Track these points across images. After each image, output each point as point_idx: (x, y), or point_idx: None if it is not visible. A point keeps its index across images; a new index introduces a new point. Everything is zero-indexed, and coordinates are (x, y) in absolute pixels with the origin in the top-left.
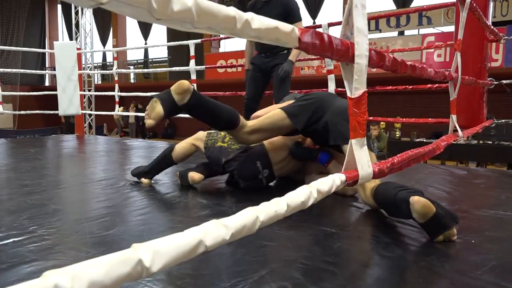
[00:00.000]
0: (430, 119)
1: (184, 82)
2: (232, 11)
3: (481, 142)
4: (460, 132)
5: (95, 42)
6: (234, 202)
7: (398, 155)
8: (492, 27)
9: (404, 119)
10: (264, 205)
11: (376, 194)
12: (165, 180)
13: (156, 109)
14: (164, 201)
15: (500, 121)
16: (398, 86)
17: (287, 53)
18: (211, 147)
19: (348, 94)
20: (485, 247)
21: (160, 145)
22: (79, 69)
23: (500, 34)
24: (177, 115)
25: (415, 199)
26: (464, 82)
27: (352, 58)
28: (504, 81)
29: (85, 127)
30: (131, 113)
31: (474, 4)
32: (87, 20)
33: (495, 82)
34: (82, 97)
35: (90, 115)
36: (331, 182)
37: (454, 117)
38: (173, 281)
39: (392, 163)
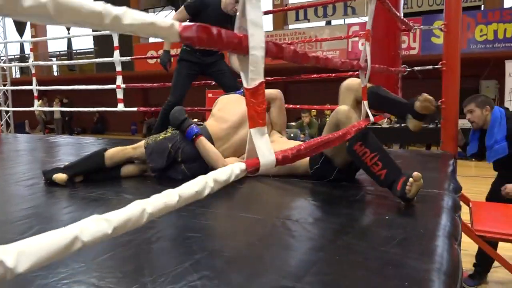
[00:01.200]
0: None
1: None
2: (98, 6)
3: (403, 125)
4: (371, 117)
5: (11, 32)
6: None
7: (306, 141)
8: (403, 18)
9: (329, 106)
10: (153, 197)
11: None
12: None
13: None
14: (88, 199)
15: (476, 99)
16: (322, 74)
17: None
18: (152, 143)
19: (245, 84)
20: (396, 223)
21: (88, 141)
22: None
23: (416, 24)
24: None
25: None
26: (374, 70)
27: (246, 49)
28: (416, 68)
29: (1, 125)
30: (54, 108)
31: None
32: None
33: (408, 69)
34: None
35: (7, 112)
36: (229, 171)
37: (365, 103)
38: (92, 281)
39: (298, 149)
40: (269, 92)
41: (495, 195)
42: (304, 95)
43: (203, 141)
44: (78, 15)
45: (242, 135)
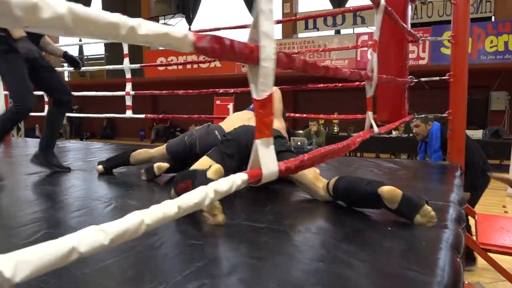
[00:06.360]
0: (359, 115)
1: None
2: (115, 17)
3: (411, 135)
4: (375, 128)
5: None
6: None
7: (309, 152)
8: (409, 29)
9: (335, 115)
10: (152, 208)
11: (337, 190)
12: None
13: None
14: (95, 204)
15: (421, 115)
16: (328, 84)
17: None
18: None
19: (254, 95)
20: (398, 234)
21: (97, 146)
22: None
23: (425, 34)
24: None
25: (383, 189)
26: (381, 81)
27: (257, 60)
28: (423, 79)
29: None
30: (70, 114)
31: (389, 8)
32: None
33: (415, 80)
34: (8, 95)
35: None
36: (230, 182)
37: (370, 113)
38: (93, 283)
39: (301, 160)
40: None
41: None
42: (312, 104)
43: None
44: (95, 27)
45: None
